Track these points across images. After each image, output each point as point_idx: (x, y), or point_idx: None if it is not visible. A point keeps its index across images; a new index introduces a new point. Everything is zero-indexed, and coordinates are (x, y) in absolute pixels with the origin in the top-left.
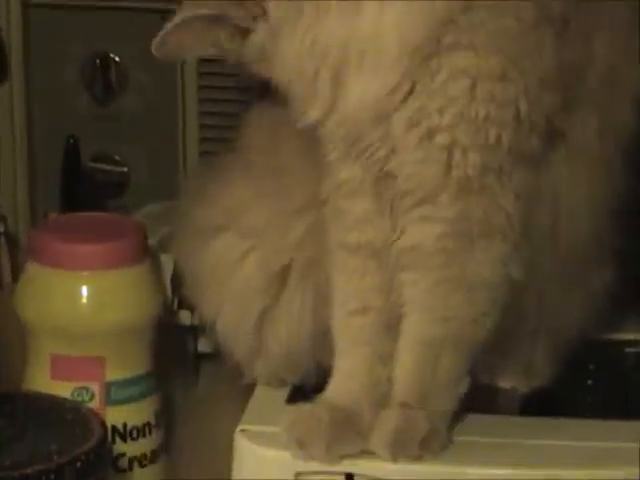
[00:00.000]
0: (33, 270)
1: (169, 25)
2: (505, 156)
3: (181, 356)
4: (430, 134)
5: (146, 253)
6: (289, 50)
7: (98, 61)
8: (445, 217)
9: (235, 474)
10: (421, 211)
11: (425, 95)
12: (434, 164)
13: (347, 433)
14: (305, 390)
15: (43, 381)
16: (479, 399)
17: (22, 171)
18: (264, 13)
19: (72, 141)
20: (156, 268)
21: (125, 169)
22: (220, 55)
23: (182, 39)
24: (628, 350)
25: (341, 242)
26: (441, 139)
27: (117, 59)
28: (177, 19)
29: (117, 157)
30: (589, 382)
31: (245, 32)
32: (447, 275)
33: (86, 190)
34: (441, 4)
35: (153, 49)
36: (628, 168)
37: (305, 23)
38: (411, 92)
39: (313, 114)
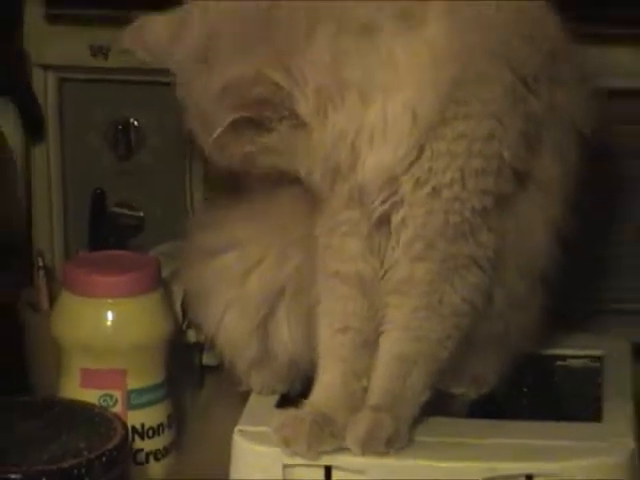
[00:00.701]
0: (66, 298)
1: (218, 130)
2: (489, 198)
3: (189, 368)
4: (437, 191)
5: (160, 284)
6: (314, 138)
7: (120, 126)
8: (436, 257)
9: (233, 466)
10: (417, 252)
11: (433, 158)
12: (438, 214)
13: (324, 434)
14: (291, 397)
15: (74, 390)
16: (434, 403)
17: (57, 216)
18: (290, 115)
19: (98, 191)
20: (168, 296)
21: (141, 214)
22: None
23: (227, 140)
24: (558, 363)
25: (334, 271)
26: (446, 194)
27: (136, 124)
28: (223, 123)
29: (135, 204)
30: (525, 390)
31: (270, 130)
32: (427, 302)
33: (110, 231)
34: (445, 84)
35: (207, 153)
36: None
37: (329, 118)
38: (419, 157)
39: (339, 190)
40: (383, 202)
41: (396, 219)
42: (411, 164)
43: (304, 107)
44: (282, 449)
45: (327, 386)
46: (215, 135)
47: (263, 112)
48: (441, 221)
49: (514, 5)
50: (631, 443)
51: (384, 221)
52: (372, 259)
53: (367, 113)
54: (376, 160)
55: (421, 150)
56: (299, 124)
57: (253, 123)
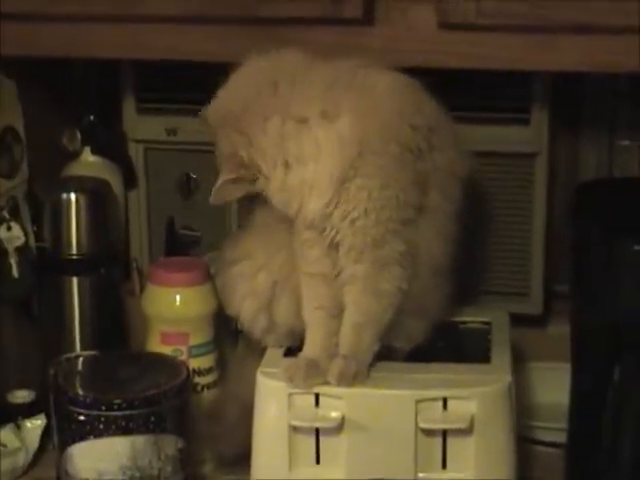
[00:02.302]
0: (151, 287)
1: (217, 185)
2: (395, 223)
3: (229, 331)
4: (353, 221)
5: (209, 278)
6: (275, 188)
7: (184, 177)
8: (367, 260)
9: (257, 394)
10: (354, 258)
11: (346, 202)
12: (359, 234)
13: (314, 373)
14: (293, 350)
15: (155, 345)
16: (383, 353)
17: (145, 235)
18: (260, 173)
19: (170, 219)
20: (215, 286)
21: (198, 234)
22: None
23: (225, 190)
24: (461, 326)
25: (305, 271)
26: (359, 223)
27: (194, 176)
28: (220, 181)
29: (194, 227)
30: (441, 343)
31: (253, 181)
32: (367, 289)
33: (178, 245)
34: (349, 157)
35: (211, 200)
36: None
37: (280, 175)
38: (338, 202)
39: (292, 214)
40: (330, 229)
41: (337, 238)
42: (335, 206)
43: (264, 168)
44: (287, 383)
45: (313, 343)
46: (220, 182)
47: (242, 172)
48: (362, 238)
49: (402, 99)
50: (509, 377)
51: (331, 240)
52: (328, 262)
53: (304, 173)
54: (313, 204)
55: (339, 197)
56: (267, 177)
57: (244, 179)
